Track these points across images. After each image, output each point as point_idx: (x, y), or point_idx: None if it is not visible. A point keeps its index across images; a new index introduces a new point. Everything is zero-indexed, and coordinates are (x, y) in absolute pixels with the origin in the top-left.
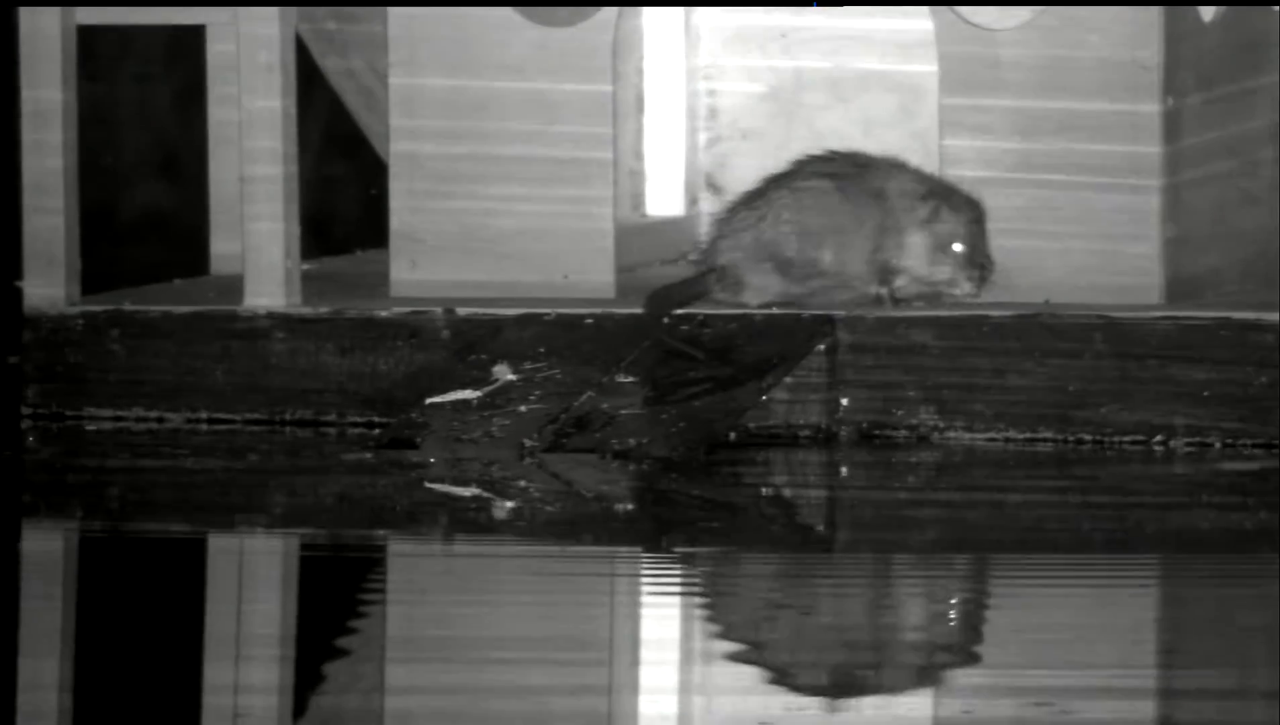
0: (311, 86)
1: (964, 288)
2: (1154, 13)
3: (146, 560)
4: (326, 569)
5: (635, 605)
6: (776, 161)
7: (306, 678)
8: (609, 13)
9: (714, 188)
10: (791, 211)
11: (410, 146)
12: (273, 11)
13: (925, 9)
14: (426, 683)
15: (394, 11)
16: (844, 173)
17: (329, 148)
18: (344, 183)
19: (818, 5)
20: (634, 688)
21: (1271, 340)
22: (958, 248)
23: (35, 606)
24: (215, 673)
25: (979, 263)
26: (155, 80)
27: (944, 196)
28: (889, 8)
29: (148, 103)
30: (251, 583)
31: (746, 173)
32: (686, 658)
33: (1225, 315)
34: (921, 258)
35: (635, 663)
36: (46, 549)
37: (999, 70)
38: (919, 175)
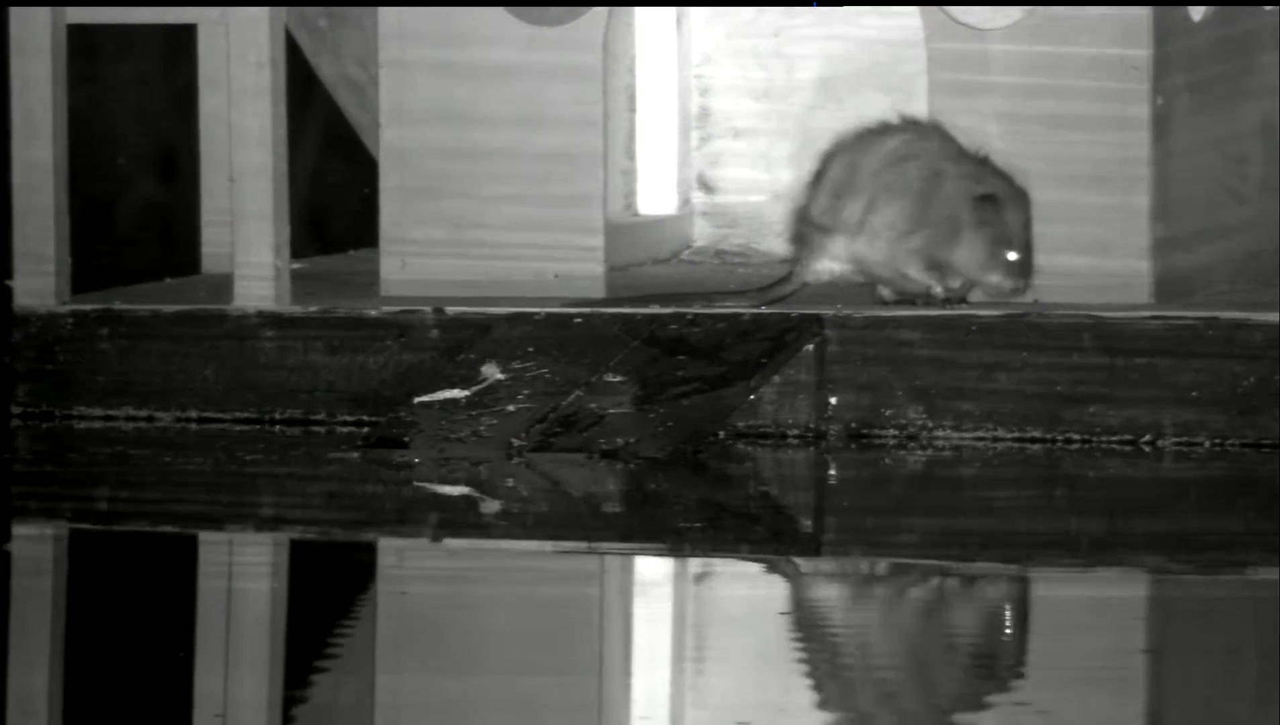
0: (311, 87)
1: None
2: (1143, 12)
3: (125, 564)
4: (309, 575)
5: (623, 610)
6: (769, 161)
7: (288, 695)
8: (599, 11)
9: (706, 187)
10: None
11: (400, 145)
12: (262, 10)
13: (915, 9)
14: (413, 701)
15: (383, 10)
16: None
17: (328, 148)
18: (341, 182)
19: (817, 4)
20: (623, 694)
21: (1259, 339)
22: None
23: (21, 607)
24: (194, 678)
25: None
26: (152, 80)
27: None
28: (881, 8)
29: (144, 102)
30: (232, 589)
31: (739, 172)
32: (671, 662)
33: (1213, 315)
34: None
35: (623, 667)
36: (33, 548)
37: (988, 70)
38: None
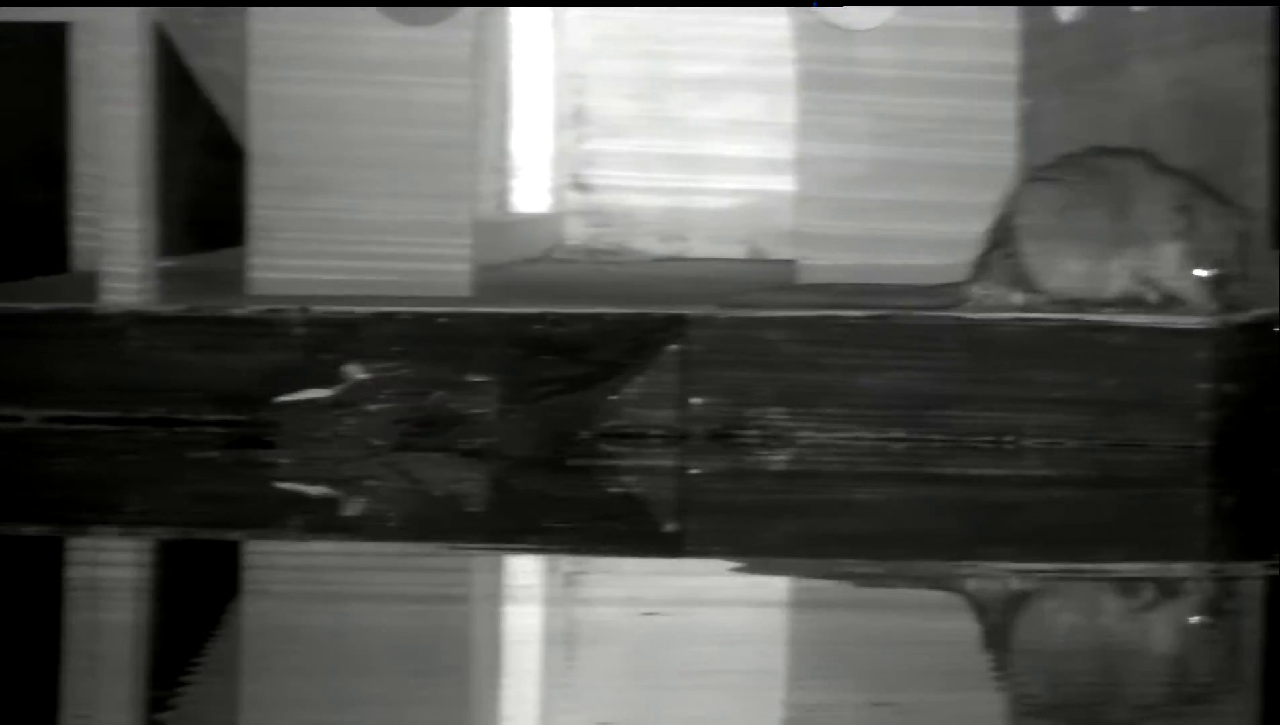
0: (193, 86)
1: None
2: (1010, 13)
3: None
4: (171, 577)
5: (490, 608)
6: (643, 161)
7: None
8: (470, 11)
9: (580, 186)
10: None
11: (270, 143)
12: (131, 9)
13: (784, 9)
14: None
15: (254, 9)
16: None
17: (209, 146)
18: (219, 180)
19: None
20: (493, 695)
21: (1123, 341)
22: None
23: None
24: (50, 688)
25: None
26: (27, 78)
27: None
28: (758, 8)
29: (18, 100)
30: (93, 592)
31: (614, 171)
32: (540, 661)
33: (1075, 317)
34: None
35: (493, 668)
36: None
37: (856, 71)
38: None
